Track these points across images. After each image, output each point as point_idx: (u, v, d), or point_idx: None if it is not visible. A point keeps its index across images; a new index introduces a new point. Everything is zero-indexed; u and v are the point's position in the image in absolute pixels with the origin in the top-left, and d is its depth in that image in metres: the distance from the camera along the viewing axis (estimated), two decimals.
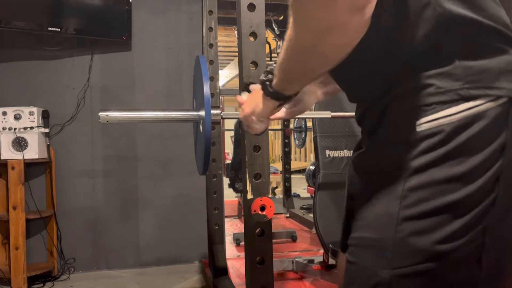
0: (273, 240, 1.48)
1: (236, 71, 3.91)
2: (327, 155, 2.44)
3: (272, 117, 0.89)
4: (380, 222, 0.63)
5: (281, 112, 0.99)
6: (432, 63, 0.62)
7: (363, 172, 0.73)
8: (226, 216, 2.96)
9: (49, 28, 2.69)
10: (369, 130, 0.73)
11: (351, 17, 0.53)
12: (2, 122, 2.58)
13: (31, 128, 2.62)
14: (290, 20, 0.60)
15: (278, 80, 0.76)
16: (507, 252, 0.66)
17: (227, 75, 7.56)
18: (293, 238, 3.13)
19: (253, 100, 0.87)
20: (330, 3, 0.52)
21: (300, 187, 5.86)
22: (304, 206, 4.16)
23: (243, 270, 2.39)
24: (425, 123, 0.60)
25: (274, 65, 0.77)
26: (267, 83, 0.79)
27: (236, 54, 1.37)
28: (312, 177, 3.42)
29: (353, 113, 0.80)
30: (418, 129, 0.61)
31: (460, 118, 0.59)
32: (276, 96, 0.79)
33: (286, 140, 4.15)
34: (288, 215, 4.06)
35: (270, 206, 1.30)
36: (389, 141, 0.65)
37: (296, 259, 2.46)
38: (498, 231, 0.62)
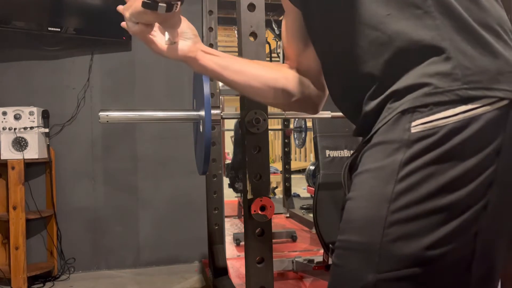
0: (273, 240, 1.47)
1: None
2: (327, 155, 2.44)
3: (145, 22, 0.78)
4: (368, 225, 0.61)
5: (163, 46, 0.85)
6: (431, 64, 0.61)
7: (354, 174, 0.70)
8: (226, 216, 2.96)
9: (49, 28, 2.69)
10: (365, 137, 0.70)
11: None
12: (2, 122, 2.58)
13: (31, 128, 2.62)
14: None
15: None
16: (497, 259, 0.64)
17: None
18: (293, 238, 3.13)
19: None
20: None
21: (300, 187, 5.85)
22: (304, 206, 4.16)
23: (243, 270, 2.39)
24: (419, 125, 0.58)
25: None
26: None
27: (236, 54, 1.37)
28: (312, 177, 3.42)
29: None
30: (413, 130, 0.59)
31: (456, 120, 0.57)
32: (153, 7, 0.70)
33: (286, 140, 4.14)
34: (288, 215, 4.06)
35: (270, 206, 1.30)
36: (381, 143, 0.62)
37: (296, 259, 2.45)
38: (490, 237, 0.61)
